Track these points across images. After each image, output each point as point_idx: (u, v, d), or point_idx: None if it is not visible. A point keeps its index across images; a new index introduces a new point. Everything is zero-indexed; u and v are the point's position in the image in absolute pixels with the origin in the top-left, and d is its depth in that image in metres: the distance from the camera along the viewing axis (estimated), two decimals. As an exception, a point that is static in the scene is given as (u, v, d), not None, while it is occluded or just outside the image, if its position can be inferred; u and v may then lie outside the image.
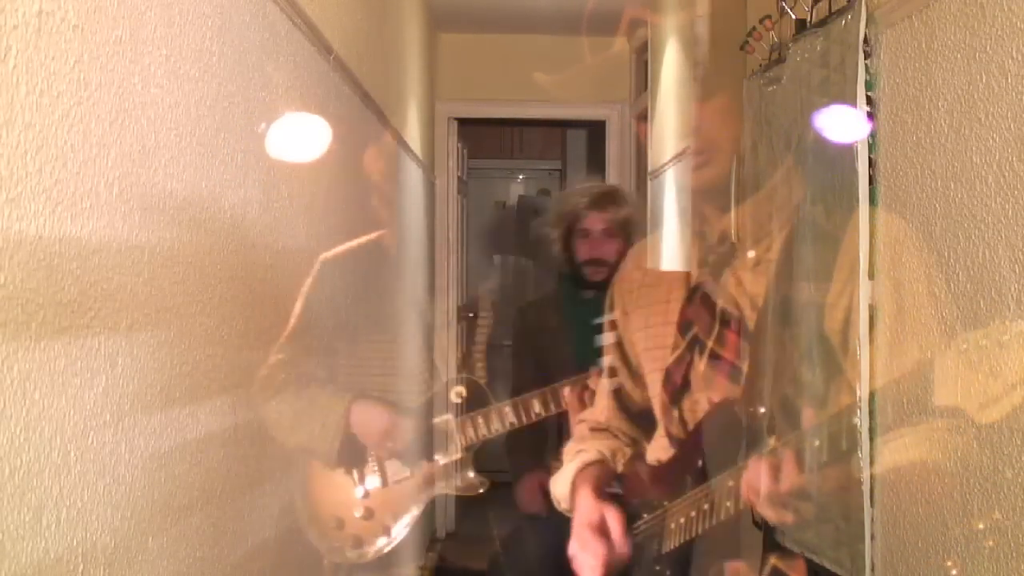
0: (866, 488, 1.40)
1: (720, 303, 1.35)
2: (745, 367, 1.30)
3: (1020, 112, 1.09)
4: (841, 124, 1.46)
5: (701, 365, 1.35)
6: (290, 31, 1.59)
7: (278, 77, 1.54)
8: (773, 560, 1.26)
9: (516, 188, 6.37)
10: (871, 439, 1.40)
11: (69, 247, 0.85)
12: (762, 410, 1.25)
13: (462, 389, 1.73)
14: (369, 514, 1.48)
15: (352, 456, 1.42)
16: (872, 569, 1.41)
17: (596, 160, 5.54)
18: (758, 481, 1.10)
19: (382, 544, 1.53)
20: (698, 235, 1.43)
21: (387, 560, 1.62)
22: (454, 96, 4.53)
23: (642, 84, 3.76)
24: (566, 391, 1.79)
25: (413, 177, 3.55)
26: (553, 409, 1.79)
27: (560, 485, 1.49)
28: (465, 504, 5.05)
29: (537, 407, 1.78)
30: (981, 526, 1.17)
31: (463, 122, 4.78)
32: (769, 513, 1.12)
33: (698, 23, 1.41)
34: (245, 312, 1.39)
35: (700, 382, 1.34)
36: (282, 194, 1.57)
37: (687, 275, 1.44)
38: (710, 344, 1.34)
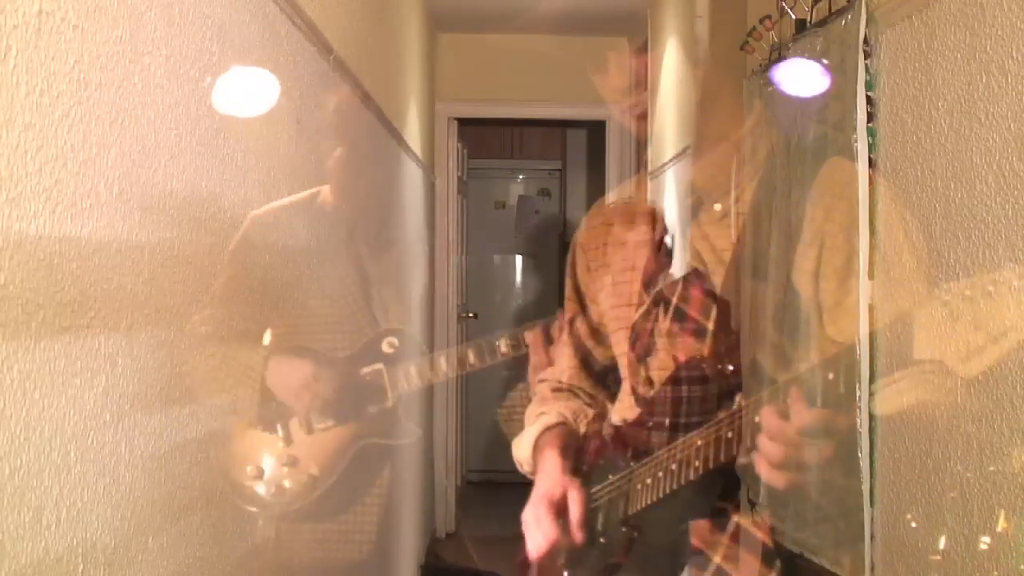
0: (866, 488, 1.40)
1: (685, 259, 1.31)
2: (711, 325, 1.27)
3: (1020, 112, 1.09)
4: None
5: (666, 323, 1.32)
6: (290, 31, 1.59)
7: (278, 77, 1.54)
8: (738, 518, 1.24)
9: (516, 188, 6.37)
10: (871, 440, 1.40)
11: (69, 247, 0.85)
12: (730, 368, 1.23)
13: (394, 340, 1.72)
14: (292, 462, 1.45)
15: (273, 408, 1.39)
16: (871, 569, 1.41)
17: (596, 160, 5.54)
18: (774, 429, 1.04)
19: (307, 491, 1.50)
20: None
21: (322, 512, 1.60)
22: (454, 96, 4.54)
23: (642, 84, 3.76)
24: (528, 334, 1.78)
25: (413, 177, 3.55)
26: (488, 360, 1.79)
27: (522, 448, 1.44)
28: (466, 504, 5.05)
29: (472, 358, 1.78)
30: (980, 526, 1.17)
31: (463, 122, 4.78)
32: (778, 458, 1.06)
33: (698, 23, 1.40)
34: (245, 312, 1.39)
35: (665, 340, 1.33)
36: (282, 194, 1.57)
37: (651, 228, 1.40)
38: (675, 301, 1.31)
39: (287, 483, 1.45)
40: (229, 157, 1.28)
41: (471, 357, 1.76)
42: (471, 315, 5.17)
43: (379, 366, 1.67)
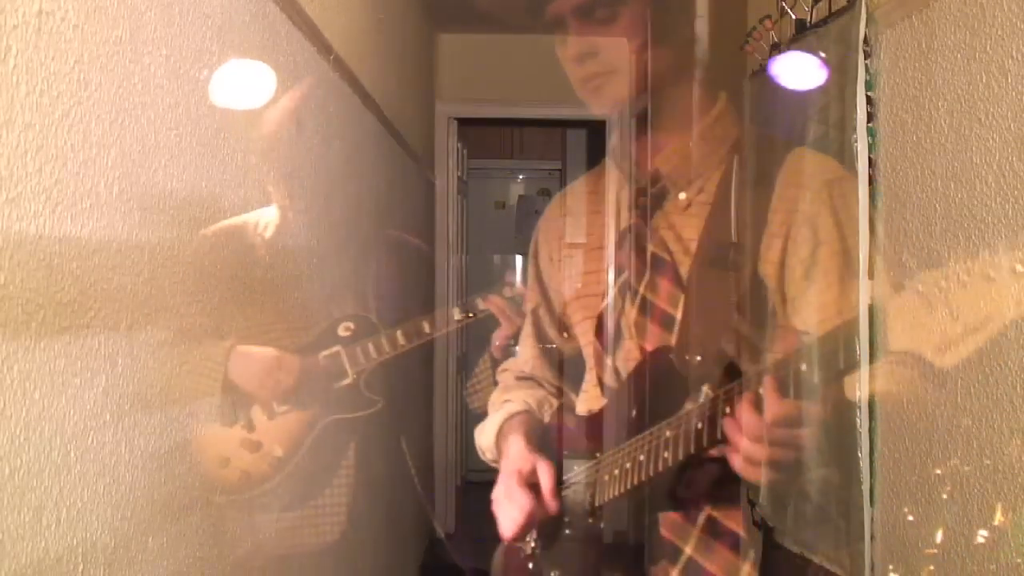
0: (866, 488, 1.40)
1: (651, 248, 1.30)
2: (678, 314, 1.26)
3: (1020, 112, 1.09)
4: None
5: (632, 313, 1.31)
6: (290, 31, 1.59)
7: (278, 77, 1.54)
8: (709, 510, 1.24)
9: (516, 188, 6.37)
10: (871, 440, 1.40)
11: (69, 247, 0.85)
12: (698, 358, 1.22)
13: (350, 324, 1.77)
14: (256, 447, 1.45)
15: (235, 398, 1.40)
16: (872, 569, 1.41)
17: (596, 160, 5.53)
18: (746, 422, 1.03)
19: (274, 474, 1.51)
20: (629, 177, 1.39)
21: (303, 494, 1.61)
22: (454, 96, 4.54)
23: (642, 84, 3.74)
24: (479, 300, 1.90)
25: (413, 177, 3.56)
26: (441, 328, 1.88)
27: (485, 435, 1.44)
28: (466, 504, 5.05)
29: (426, 328, 1.85)
30: (981, 526, 1.17)
31: (463, 122, 4.78)
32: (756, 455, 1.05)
33: (698, 23, 1.40)
34: (245, 312, 1.39)
35: (631, 330, 1.31)
36: (282, 194, 1.57)
37: (615, 217, 1.39)
38: (641, 291, 1.30)
39: (253, 467, 1.46)
40: (229, 157, 1.28)
41: (426, 327, 1.84)
42: (472, 315, 5.16)
43: (336, 349, 1.71)
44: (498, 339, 1.90)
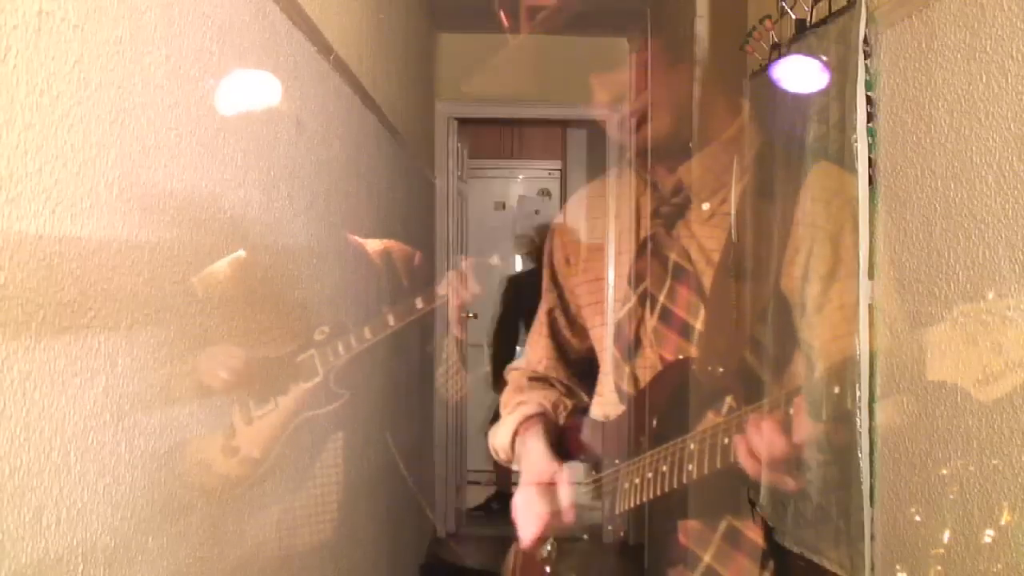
0: (866, 488, 1.40)
1: (672, 257, 1.30)
2: (698, 324, 1.26)
3: (1020, 112, 1.09)
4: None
5: (652, 321, 1.30)
6: (290, 31, 1.59)
7: (278, 77, 1.54)
8: (729, 519, 1.24)
9: (516, 188, 6.37)
10: (871, 439, 1.40)
11: (69, 247, 0.85)
12: (720, 370, 1.22)
13: (325, 328, 1.80)
14: (234, 451, 1.47)
15: (210, 404, 1.41)
16: (872, 569, 1.41)
17: (596, 160, 5.53)
18: (760, 440, 1.04)
19: (253, 477, 1.52)
20: (650, 186, 1.38)
21: (278, 495, 1.63)
22: (454, 96, 4.54)
23: (642, 84, 3.74)
24: (439, 287, 1.99)
25: (413, 177, 3.56)
26: (406, 318, 1.95)
27: (500, 436, 1.44)
28: (466, 504, 5.05)
29: (391, 320, 1.90)
30: (982, 526, 1.17)
31: (463, 122, 4.78)
32: (771, 477, 1.07)
33: (698, 23, 1.40)
34: (245, 312, 1.39)
35: (651, 338, 1.31)
36: (282, 194, 1.57)
37: (636, 222, 1.39)
38: (661, 299, 1.30)
39: (231, 472, 1.47)
40: (229, 157, 1.28)
41: (391, 319, 1.90)
42: (472, 315, 5.16)
43: (311, 351, 1.76)
44: (454, 311, 2.03)
